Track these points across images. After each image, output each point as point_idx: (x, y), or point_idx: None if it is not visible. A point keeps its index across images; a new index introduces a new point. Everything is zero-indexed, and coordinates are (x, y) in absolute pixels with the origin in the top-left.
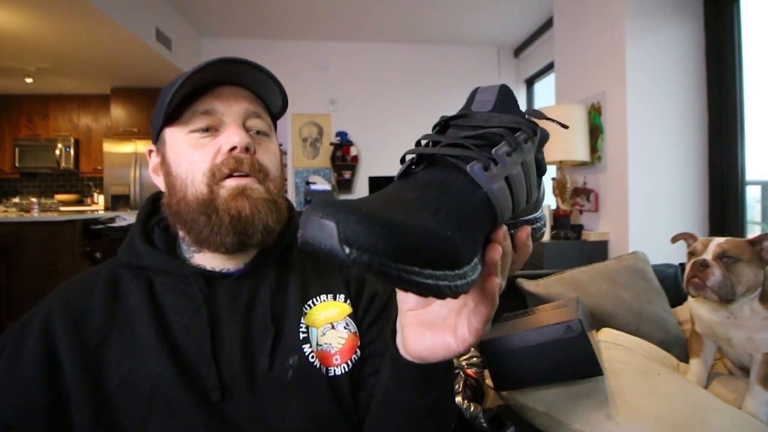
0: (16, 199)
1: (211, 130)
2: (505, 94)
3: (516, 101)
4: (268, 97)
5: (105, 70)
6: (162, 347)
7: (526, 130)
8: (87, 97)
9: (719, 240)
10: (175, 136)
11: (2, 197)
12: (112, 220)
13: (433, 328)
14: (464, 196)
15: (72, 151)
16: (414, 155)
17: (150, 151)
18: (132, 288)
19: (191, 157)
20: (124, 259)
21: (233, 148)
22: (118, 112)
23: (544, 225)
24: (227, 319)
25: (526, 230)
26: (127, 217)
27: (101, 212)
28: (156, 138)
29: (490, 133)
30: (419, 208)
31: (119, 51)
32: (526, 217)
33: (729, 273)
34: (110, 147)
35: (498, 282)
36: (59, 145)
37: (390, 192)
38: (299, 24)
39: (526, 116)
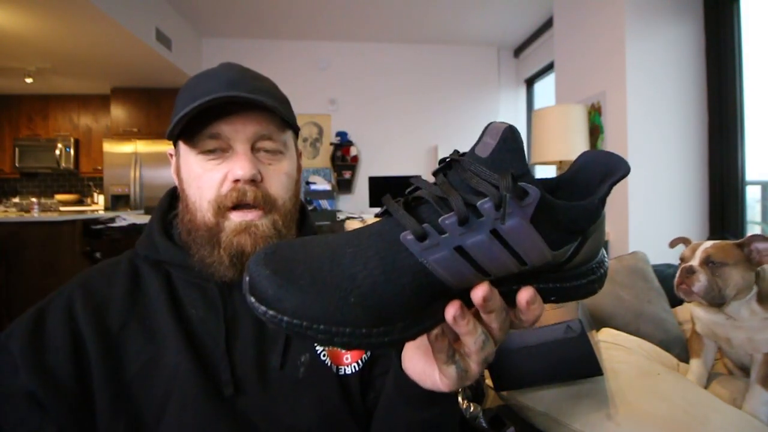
0: (16, 199)
1: (219, 151)
2: (504, 141)
3: (516, 150)
4: (283, 110)
5: (105, 70)
6: (180, 337)
7: (494, 198)
8: (87, 97)
9: (707, 244)
10: (187, 154)
11: (2, 197)
12: (112, 220)
13: (428, 356)
14: (398, 262)
15: (72, 151)
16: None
17: (171, 155)
18: (151, 279)
19: (199, 181)
20: (143, 251)
21: (238, 180)
22: (118, 112)
23: (593, 281)
24: (242, 316)
25: (528, 292)
26: (127, 217)
27: (101, 212)
28: (174, 143)
29: (450, 198)
30: (342, 268)
31: (119, 51)
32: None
33: (716, 277)
34: (110, 147)
35: (471, 340)
36: (59, 145)
37: (337, 242)
38: (299, 24)
39: (512, 176)
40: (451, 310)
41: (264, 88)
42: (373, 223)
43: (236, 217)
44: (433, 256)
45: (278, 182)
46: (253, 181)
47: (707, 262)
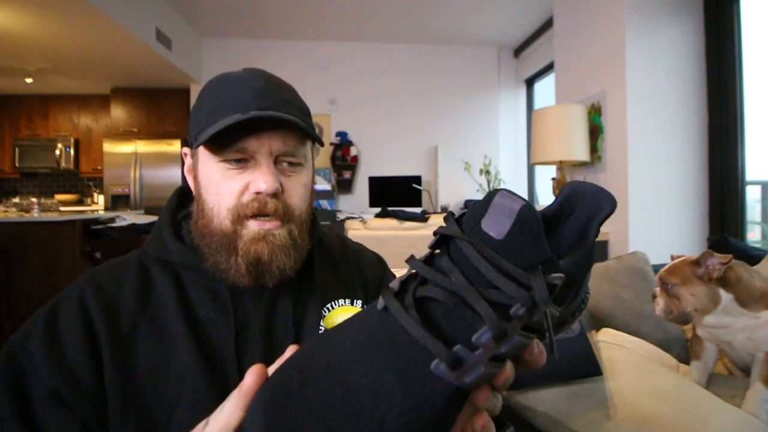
0: (16, 199)
1: (242, 161)
2: (522, 223)
3: (537, 234)
4: (309, 124)
5: (105, 70)
6: (190, 338)
7: (526, 303)
8: (87, 97)
9: (666, 267)
10: (207, 159)
11: (2, 197)
12: (112, 220)
13: None
14: (427, 390)
15: (72, 151)
16: (384, 300)
17: (185, 153)
18: (161, 280)
19: (219, 188)
20: (153, 252)
21: (260, 192)
22: (118, 112)
23: (586, 302)
24: (251, 318)
25: (531, 347)
26: (127, 217)
27: (101, 212)
28: (191, 144)
29: (476, 306)
30: (364, 415)
31: (119, 51)
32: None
33: (672, 298)
34: (110, 147)
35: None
36: (59, 145)
37: (343, 370)
38: (299, 24)
39: (542, 266)
40: (483, 397)
41: (289, 99)
42: (374, 325)
43: (254, 226)
44: (468, 378)
45: (297, 194)
46: (274, 194)
47: (663, 284)
